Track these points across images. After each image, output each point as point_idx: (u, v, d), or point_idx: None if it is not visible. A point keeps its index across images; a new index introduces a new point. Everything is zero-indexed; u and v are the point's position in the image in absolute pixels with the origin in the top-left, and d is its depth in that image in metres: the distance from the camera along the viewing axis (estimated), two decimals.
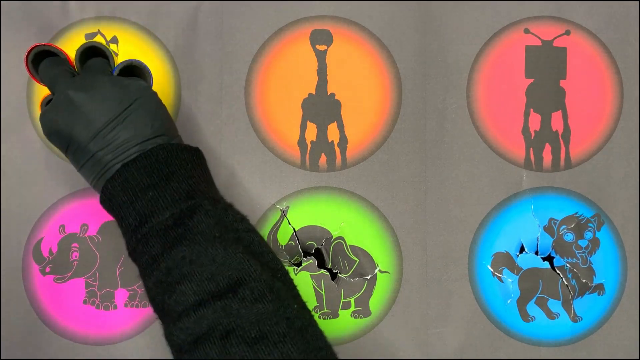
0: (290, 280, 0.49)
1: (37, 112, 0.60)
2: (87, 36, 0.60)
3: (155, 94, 0.51)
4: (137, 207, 0.47)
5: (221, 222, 0.47)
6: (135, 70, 0.53)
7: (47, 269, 0.60)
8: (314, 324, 0.46)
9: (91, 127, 0.48)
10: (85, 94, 0.48)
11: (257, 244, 0.49)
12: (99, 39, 0.60)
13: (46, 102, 0.53)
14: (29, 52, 0.52)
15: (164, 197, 0.47)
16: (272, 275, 0.47)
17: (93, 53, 0.53)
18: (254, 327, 0.42)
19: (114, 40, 0.60)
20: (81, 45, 0.52)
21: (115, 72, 0.52)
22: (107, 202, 0.49)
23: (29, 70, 0.52)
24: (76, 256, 0.60)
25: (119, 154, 0.48)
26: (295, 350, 0.42)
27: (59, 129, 0.49)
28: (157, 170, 0.47)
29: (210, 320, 0.43)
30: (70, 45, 0.60)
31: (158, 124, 0.49)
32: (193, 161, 0.50)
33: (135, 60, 0.52)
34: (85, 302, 0.60)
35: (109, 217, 0.56)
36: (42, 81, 0.52)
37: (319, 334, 0.46)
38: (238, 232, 0.48)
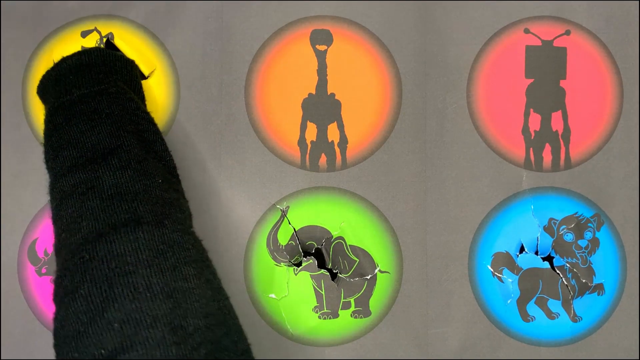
0: (173, 167, 0.53)
1: (34, 110, 0.60)
2: (84, 33, 0.60)
3: (134, 64, 0.59)
4: (59, 87, 0.53)
5: (122, 107, 0.52)
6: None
7: (43, 270, 0.60)
8: (177, 198, 0.50)
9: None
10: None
11: (152, 133, 0.53)
12: (94, 35, 0.60)
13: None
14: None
15: (79, 80, 0.53)
16: (150, 156, 0.50)
17: None
18: (112, 187, 0.46)
19: (111, 37, 0.60)
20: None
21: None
22: (40, 88, 0.55)
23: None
24: None
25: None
26: (143, 206, 0.45)
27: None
28: (85, 62, 0.54)
29: (77, 179, 0.47)
30: (66, 43, 0.60)
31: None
32: (115, 64, 0.56)
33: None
34: None
35: None
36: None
37: (174, 200, 0.49)
38: (137, 117, 0.53)
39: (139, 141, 0.51)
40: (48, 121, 0.52)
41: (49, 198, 0.49)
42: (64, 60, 0.55)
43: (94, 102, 0.51)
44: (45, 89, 0.55)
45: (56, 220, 0.47)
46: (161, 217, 0.45)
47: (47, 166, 0.51)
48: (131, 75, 0.57)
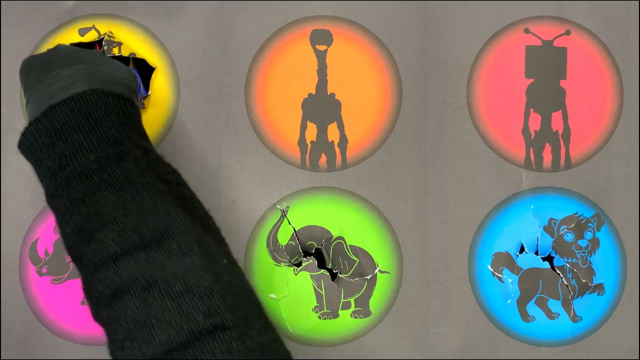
0: (222, 238, 0.46)
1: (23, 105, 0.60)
2: (81, 31, 0.60)
3: (131, 74, 0.51)
4: (59, 149, 0.44)
5: (151, 170, 0.44)
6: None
7: (44, 270, 0.60)
8: (244, 280, 0.44)
9: (59, 62, 0.47)
10: (72, 49, 0.50)
11: (189, 199, 0.46)
12: (92, 33, 0.60)
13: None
14: None
15: (89, 141, 0.43)
16: (203, 230, 0.44)
17: None
18: (178, 281, 0.39)
19: (109, 35, 0.60)
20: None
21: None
22: (26, 144, 0.46)
23: None
24: None
25: (64, 91, 0.46)
26: (222, 305, 0.39)
27: (31, 61, 0.49)
28: (84, 113, 0.44)
29: (131, 272, 0.39)
30: (64, 41, 0.60)
31: (124, 75, 0.49)
32: (127, 110, 0.47)
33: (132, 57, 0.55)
34: (83, 303, 0.60)
35: None
36: None
37: (247, 289, 0.43)
38: (169, 184, 0.45)
39: (187, 214, 0.43)
40: (56, 195, 0.44)
41: (85, 295, 0.43)
42: (52, 109, 0.44)
43: (118, 169, 0.43)
44: (36, 148, 0.45)
45: (110, 320, 0.40)
46: (243, 314, 0.40)
47: (72, 250, 0.44)
48: (132, 109, 0.48)
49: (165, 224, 0.41)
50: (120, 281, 0.39)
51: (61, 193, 0.43)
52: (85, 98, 0.45)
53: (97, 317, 0.42)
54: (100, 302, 0.41)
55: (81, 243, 0.42)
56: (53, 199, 0.44)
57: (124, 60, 0.59)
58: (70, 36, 0.60)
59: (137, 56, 0.60)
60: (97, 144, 0.43)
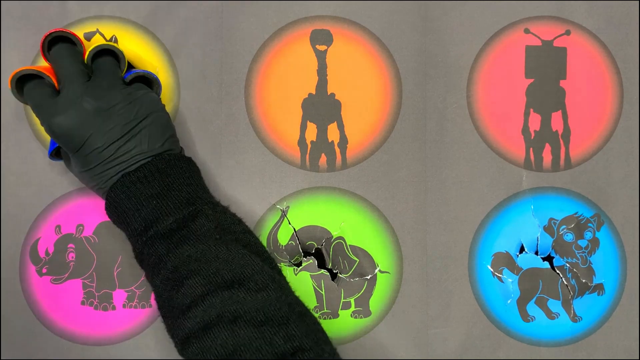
0: (284, 276, 0.53)
1: (24, 105, 0.60)
2: (86, 35, 0.60)
3: (164, 107, 0.54)
4: (143, 214, 0.50)
5: (220, 224, 0.51)
6: (144, 78, 0.56)
7: (44, 270, 0.60)
8: (311, 312, 0.50)
9: (107, 137, 0.50)
10: (103, 104, 0.51)
11: (254, 244, 0.52)
12: (97, 38, 0.60)
13: (18, 78, 0.53)
14: (46, 36, 0.53)
15: (166, 205, 0.50)
16: (271, 269, 0.51)
17: (103, 51, 0.55)
18: (259, 312, 0.46)
19: (113, 40, 0.60)
20: (95, 47, 0.53)
21: (128, 79, 0.54)
22: (112, 208, 0.52)
23: (43, 53, 0.54)
24: (72, 257, 0.60)
25: (130, 165, 0.51)
26: (298, 331, 0.46)
27: (72, 133, 0.50)
28: (158, 179, 0.51)
29: (218, 308, 0.46)
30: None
31: (167, 139, 0.53)
32: (190, 169, 0.53)
33: (148, 73, 0.55)
34: (83, 303, 0.60)
35: (104, 218, 0.56)
36: (51, 64, 0.54)
37: (315, 320, 0.50)
38: (236, 233, 0.52)
39: (257, 257, 0.51)
40: (144, 253, 0.51)
41: (172, 334, 0.49)
42: (135, 185, 0.51)
43: (194, 226, 0.50)
44: (123, 212, 0.51)
45: (200, 350, 0.46)
46: (315, 339, 0.47)
47: (161, 297, 0.50)
48: (193, 167, 0.54)
49: (241, 266, 0.48)
50: (210, 316, 0.46)
51: (148, 251, 0.50)
52: (155, 164, 0.51)
53: (185, 350, 0.47)
54: (191, 337, 0.47)
55: (171, 290, 0.49)
56: (142, 257, 0.51)
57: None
58: None
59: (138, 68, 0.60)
60: (174, 207, 0.50)
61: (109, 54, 0.55)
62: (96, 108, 0.50)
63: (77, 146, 0.51)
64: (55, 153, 0.56)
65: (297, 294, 0.51)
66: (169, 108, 0.60)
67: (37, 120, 0.60)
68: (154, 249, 0.50)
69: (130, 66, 0.58)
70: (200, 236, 0.49)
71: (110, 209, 0.52)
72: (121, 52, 0.54)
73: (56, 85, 0.53)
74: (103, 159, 0.51)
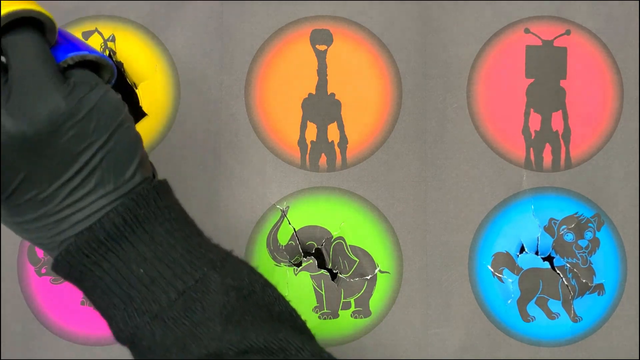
0: (313, 335, 0.46)
1: None
2: (85, 34, 0.60)
3: (127, 112, 0.37)
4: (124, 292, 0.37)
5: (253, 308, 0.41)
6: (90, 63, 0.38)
7: (43, 270, 0.60)
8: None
9: (49, 175, 0.34)
10: (29, 126, 0.32)
11: (286, 306, 0.44)
12: (96, 37, 0.60)
13: None
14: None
15: (161, 275, 0.37)
16: (301, 333, 0.42)
17: (15, 22, 0.34)
18: None
19: (112, 38, 0.60)
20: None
21: (65, 62, 0.35)
22: (74, 280, 0.38)
23: None
24: None
25: (90, 215, 0.35)
26: None
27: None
28: (140, 235, 0.37)
29: None
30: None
31: (138, 165, 0.37)
32: (177, 208, 0.41)
33: (94, 52, 0.37)
34: (83, 303, 0.60)
35: None
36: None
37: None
38: (267, 299, 0.43)
39: (284, 326, 0.42)
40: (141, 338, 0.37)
41: None
42: (104, 246, 0.35)
43: (199, 292, 0.38)
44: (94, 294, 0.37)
45: None
46: None
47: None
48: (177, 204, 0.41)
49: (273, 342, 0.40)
50: None
51: (143, 335, 0.39)
52: (132, 212, 0.37)
53: None
54: None
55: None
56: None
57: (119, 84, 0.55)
58: None
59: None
60: (172, 278, 0.38)
61: (25, 23, 0.33)
62: (21, 134, 0.32)
63: (3, 193, 0.34)
64: None
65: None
66: (169, 108, 0.60)
67: None
68: (148, 336, 0.37)
69: (62, 35, 0.38)
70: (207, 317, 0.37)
71: (70, 278, 0.37)
72: (46, 16, 0.33)
73: None
74: (45, 210, 0.34)
